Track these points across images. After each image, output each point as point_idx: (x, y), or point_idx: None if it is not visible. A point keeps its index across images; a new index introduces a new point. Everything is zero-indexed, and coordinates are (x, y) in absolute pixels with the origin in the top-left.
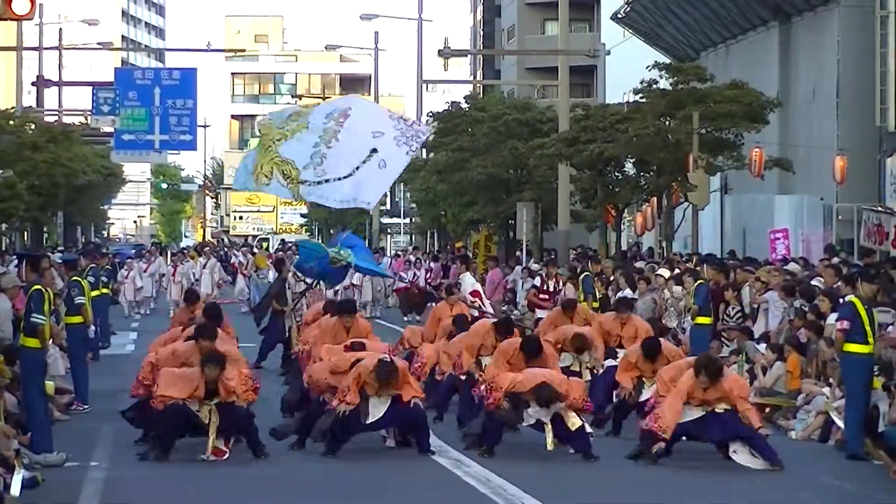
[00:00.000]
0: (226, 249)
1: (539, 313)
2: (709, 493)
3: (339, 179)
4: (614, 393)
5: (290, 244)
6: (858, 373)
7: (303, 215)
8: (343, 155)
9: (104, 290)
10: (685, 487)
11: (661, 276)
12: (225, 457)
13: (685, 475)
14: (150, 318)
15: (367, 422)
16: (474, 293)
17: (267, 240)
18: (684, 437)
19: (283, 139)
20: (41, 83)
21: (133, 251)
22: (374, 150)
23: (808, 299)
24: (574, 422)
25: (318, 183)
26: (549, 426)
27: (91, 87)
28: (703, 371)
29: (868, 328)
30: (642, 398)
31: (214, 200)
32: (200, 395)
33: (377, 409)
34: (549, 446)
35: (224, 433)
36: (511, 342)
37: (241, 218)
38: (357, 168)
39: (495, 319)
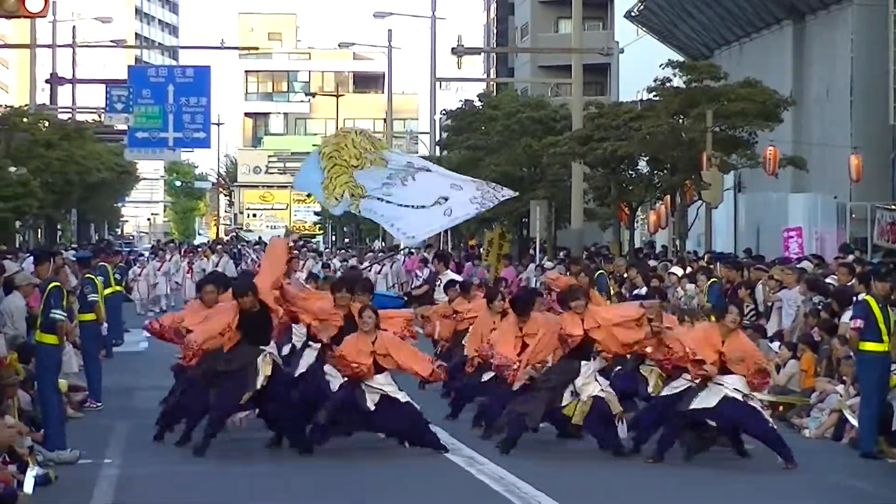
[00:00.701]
0: (239, 247)
1: None
2: (721, 493)
3: (399, 205)
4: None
5: (302, 241)
6: (873, 371)
7: (316, 213)
8: (414, 191)
9: (117, 288)
10: (699, 486)
11: (675, 274)
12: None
13: (700, 474)
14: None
15: (364, 410)
16: None
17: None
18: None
19: (360, 167)
20: (55, 81)
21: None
22: (445, 199)
23: (826, 296)
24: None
25: (379, 199)
26: (584, 402)
27: (104, 85)
28: (732, 305)
29: (882, 326)
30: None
31: (228, 198)
32: (233, 324)
33: (372, 397)
34: (577, 419)
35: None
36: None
37: (254, 215)
38: (422, 206)
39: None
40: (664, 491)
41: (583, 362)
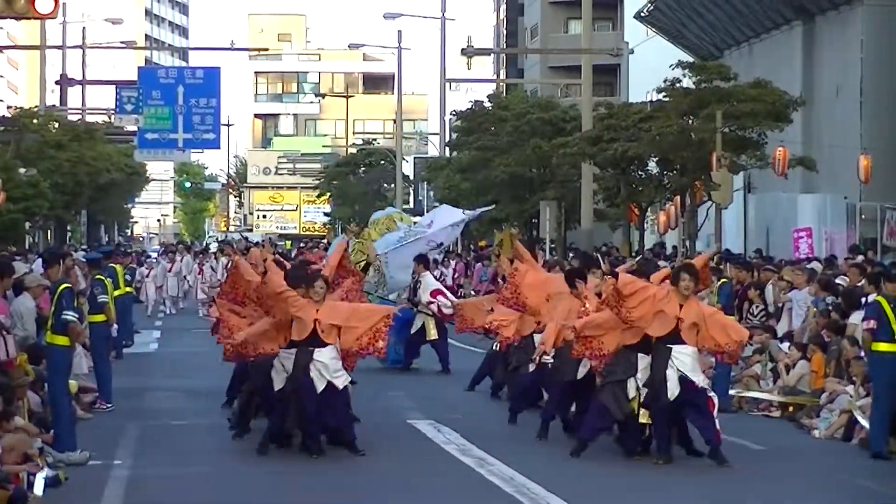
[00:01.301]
0: (250, 248)
1: None
2: (731, 493)
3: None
4: None
5: (311, 241)
6: (885, 371)
7: (326, 213)
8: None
9: (127, 289)
10: (709, 486)
11: None
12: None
13: (709, 474)
14: (174, 317)
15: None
16: (434, 293)
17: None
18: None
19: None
20: (65, 82)
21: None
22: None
23: (837, 296)
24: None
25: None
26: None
27: (114, 86)
28: (684, 272)
29: (894, 327)
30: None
31: (238, 199)
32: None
33: (320, 380)
34: (643, 418)
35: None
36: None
37: (264, 216)
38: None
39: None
40: (673, 490)
41: (640, 355)
